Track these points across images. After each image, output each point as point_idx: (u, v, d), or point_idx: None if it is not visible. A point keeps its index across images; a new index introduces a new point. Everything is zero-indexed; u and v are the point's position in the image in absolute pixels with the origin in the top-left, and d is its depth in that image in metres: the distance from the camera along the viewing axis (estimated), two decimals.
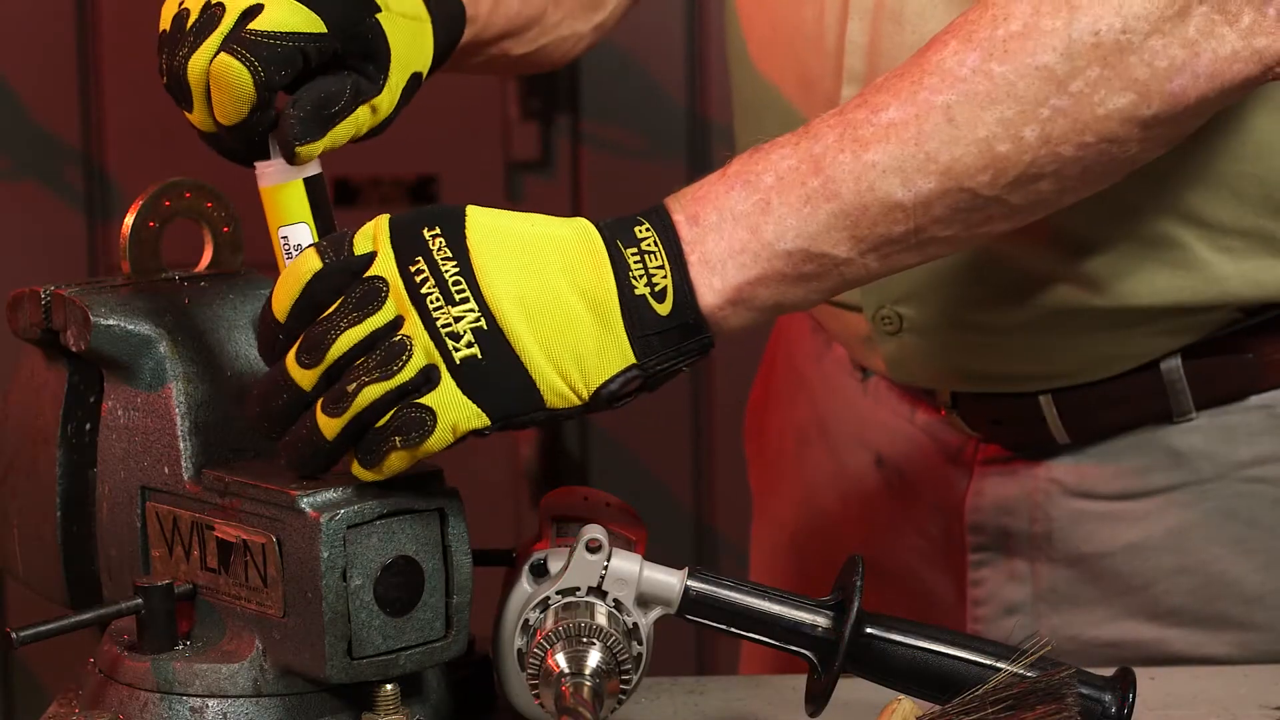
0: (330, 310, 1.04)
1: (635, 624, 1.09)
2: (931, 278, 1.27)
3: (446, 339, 1.03)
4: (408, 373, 1.02)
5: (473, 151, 2.67)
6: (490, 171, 2.67)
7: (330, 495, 1.06)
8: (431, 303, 1.03)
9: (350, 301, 1.03)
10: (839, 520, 1.45)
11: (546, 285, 1.04)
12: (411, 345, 1.03)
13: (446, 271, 1.03)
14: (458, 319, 1.03)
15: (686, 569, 1.10)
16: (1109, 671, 1.10)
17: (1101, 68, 1.05)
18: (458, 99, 2.59)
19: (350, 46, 1.13)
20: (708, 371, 2.71)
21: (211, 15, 1.11)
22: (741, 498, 1.61)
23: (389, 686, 1.08)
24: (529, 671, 1.08)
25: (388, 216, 1.06)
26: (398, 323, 1.03)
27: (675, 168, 2.65)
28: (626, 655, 1.08)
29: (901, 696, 1.09)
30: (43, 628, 1.08)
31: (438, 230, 1.04)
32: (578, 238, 1.05)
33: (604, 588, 1.09)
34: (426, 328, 1.03)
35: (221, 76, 1.09)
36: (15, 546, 1.22)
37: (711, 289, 1.05)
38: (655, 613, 1.10)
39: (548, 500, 1.20)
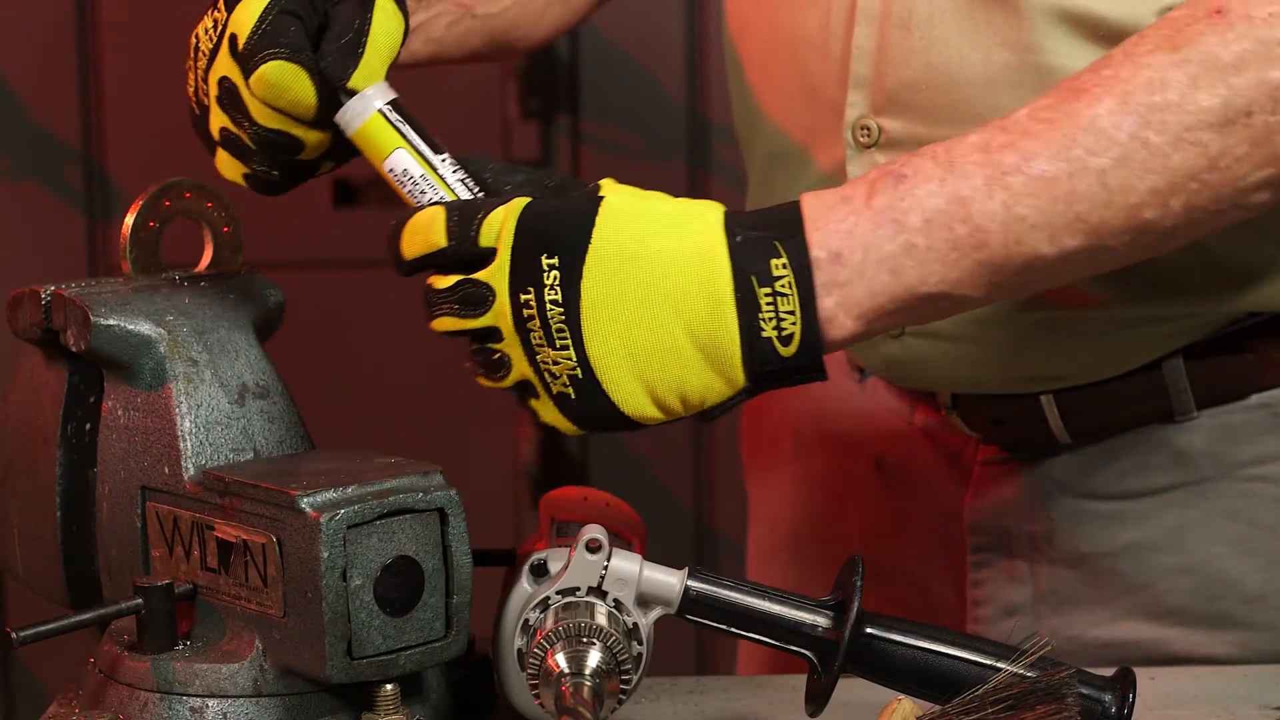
0: (441, 287, 1.07)
1: (635, 624, 1.09)
2: None
3: (545, 373, 1.06)
4: (506, 384, 1.07)
5: (473, 151, 2.67)
6: None
7: (330, 495, 1.06)
8: (534, 339, 1.06)
9: (457, 293, 1.07)
10: (837, 522, 1.45)
11: (660, 332, 1.05)
12: (510, 365, 1.07)
13: (552, 316, 1.05)
14: (556, 363, 1.06)
15: (686, 569, 1.10)
16: (1109, 671, 1.10)
17: (1250, 146, 1.06)
18: (458, 99, 2.59)
19: None
20: None
21: (231, 92, 1.13)
22: (742, 497, 1.61)
23: (389, 686, 1.08)
24: (529, 671, 1.08)
25: (520, 214, 1.06)
26: (496, 334, 1.06)
27: (675, 168, 2.65)
28: (626, 655, 1.08)
29: (901, 696, 1.09)
30: (43, 628, 1.08)
31: (556, 261, 1.05)
32: (704, 270, 1.05)
33: (604, 588, 1.09)
34: (527, 356, 1.06)
35: (267, 89, 1.10)
36: (15, 546, 1.22)
37: (843, 329, 1.06)
38: (655, 613, 1.10)
39: (548, 500, 1.20)
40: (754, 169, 1.40)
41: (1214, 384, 1.28)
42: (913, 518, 1.40)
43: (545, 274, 1.05)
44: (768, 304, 1.05)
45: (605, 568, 1.10)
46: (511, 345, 1.06)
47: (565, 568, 1.10)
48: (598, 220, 1.06)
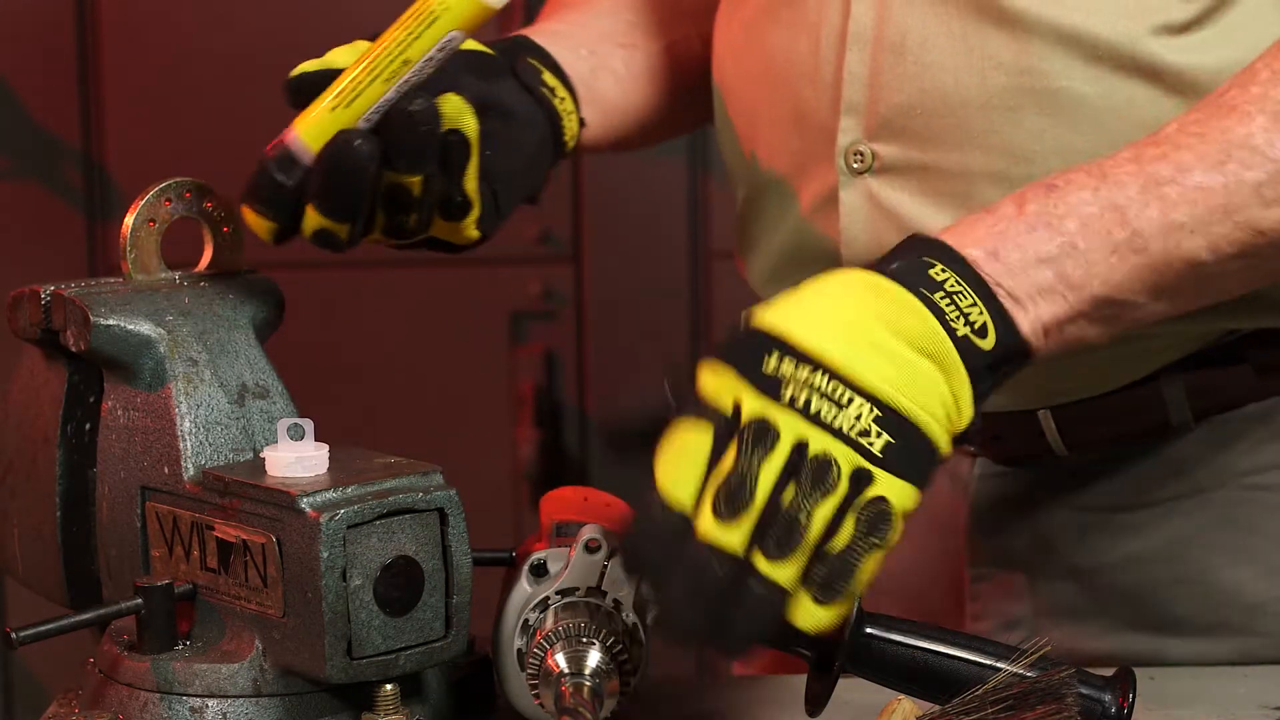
0: (733, 459, 1.01)
1: (635, 623, 1.09)
2: None
3: (860, 439, 1.02)
4: (844, 482, 1.01)
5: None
6: None
7: (330, 495, 1.06)
8: (826, 416, 1.02)
9: (747, 444, 1.01)
10: None
11: (897, 358, 1.04)
12: (834, 457, 1.01)
13: (818, 384, 1.02)
14: (858, 417, 1.02)
15: None
16: (1109, 672, 1.10)
17: None
18: None
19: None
20: None
21: None
22: None
23: (389, 686, 1.08)
24: (529, 671, 1.08)
25: (713, 362, 1.04)
26: (803, 446, 1.02)
27: (675, 167, 2.65)
28: (626, 655, 1.08)
29: (901, 696, 1.09)
30: (43, 628, 1.08)
31: (775, 353, 1.03)
32: (892, 300, 1.05)
33: (603, 587, 1.09)
34: (837, 437, 1.02)
35: None
36: (15, 546, 1.22)
37: (1029, 316, 1.07)
38: (655, 612, 1.10)
39: (548, 500, 1.20)
40: (742, 196, 1.38)
41: (1210, 395, 1.27)
42: (908, 532, 1.39)
43: (781, 365, 1.02)
44: (948, 305, 1.05)
45: (605, 567, 1.10)
46: (819, 439, 1.01)
47: (565, 568, 1.10)
48: (770, 322, 1.04)
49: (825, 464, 1.01)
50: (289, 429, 1.10)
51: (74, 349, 1.15)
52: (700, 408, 1.03)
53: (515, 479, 2.69)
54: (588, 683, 1.07)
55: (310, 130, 1.15)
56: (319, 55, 1.21)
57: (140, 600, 1.10)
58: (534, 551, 1.12)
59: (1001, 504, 1.33)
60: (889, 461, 1.02)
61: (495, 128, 1.21)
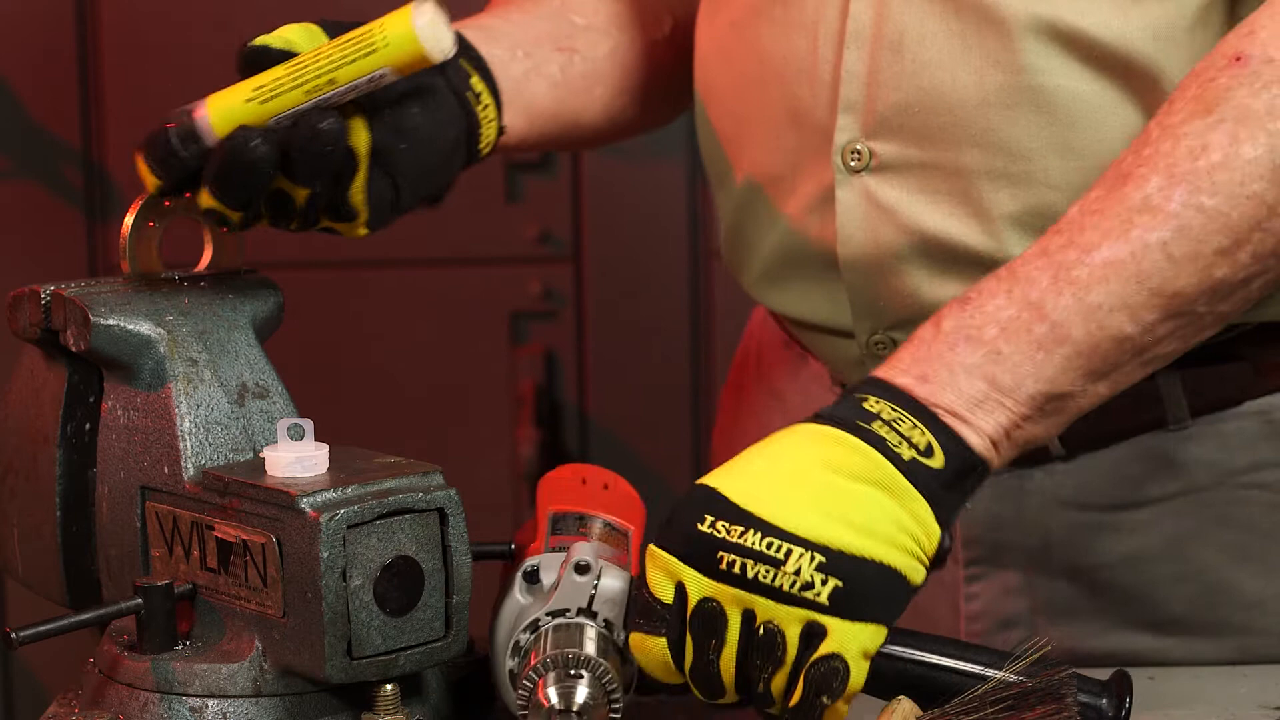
0: (693, 655, 1.04)
1: (627, 641, 1.09)
2: (927, 305, 1.26)
3: (803, 594, 1.03)
4: (791, 647, 1.03)
5: None
6: (490, 171, 2.67)
7: (330, 495, 1.06)
8: (765, 579, 1.03)
9: (698, 634, 1.04)
10: None
11: (840, 493, 1.04)
12: (778, 624, 1.03)
13: (751, 543, 1.03)
14: (797, 571, 1.03)
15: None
16: (1106, 674, 1.10)
17: None
18: None
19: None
20: (707, 369, 2.71)
21: None
22: None
23: (389, 686, 1.08)
24: (520, 698, 1.08)
25: (651, 547, 1.06)
26: (750, 616, 1.03)
27: (675, 168, 2.65)
28: (616, 684, 1.08)
29: (902, 697, 1.08)
30: (43, 628, 1.08)
31: (709, 518, 1.04)
32: (833, 442, 1.06)
33: (594, 608, 1.09)
34: (779, 600, 1.03)
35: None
36: (15, 546, 1.22)
37: (979, 431, 1.08)
38: None
39: (545, 483, 1.19)
40: (731, 200, 1.37)
41: (1208, 392, 1.27)
42: None
43: (714, 532, 1.04)
44: (888, 432, 1.06)
45: (595, 588, 1.09)
46: (763, 609, 1.03)
47: (555, 588, 1.10)
48: (710, 485, 1.06)
49: (771, 635, 1.03)
50: (289, 429, 1.10)
51: (74, 349, 1.15)
52: (648, 612, 1.05)
53: (515, 479, 2.69)
54: None
55: (220, 114, 1.16)
56: None
57: (140, 600, 1.10)
58: (529, 552, 1.12)
59: (997, 502, 1.32)
60: (839, 607, 1.03)
61: (415, 123, 1.22)
